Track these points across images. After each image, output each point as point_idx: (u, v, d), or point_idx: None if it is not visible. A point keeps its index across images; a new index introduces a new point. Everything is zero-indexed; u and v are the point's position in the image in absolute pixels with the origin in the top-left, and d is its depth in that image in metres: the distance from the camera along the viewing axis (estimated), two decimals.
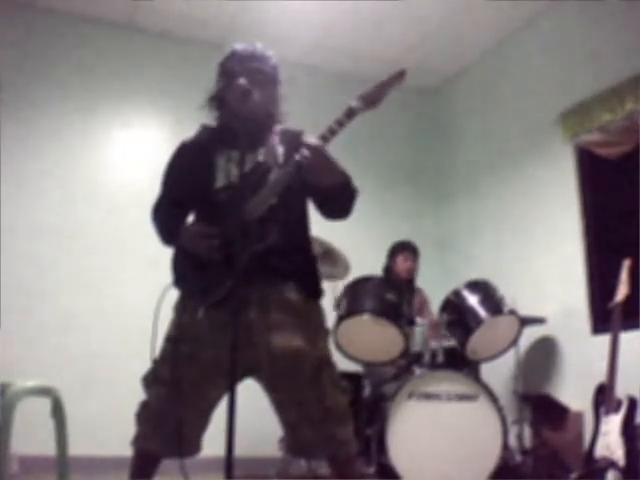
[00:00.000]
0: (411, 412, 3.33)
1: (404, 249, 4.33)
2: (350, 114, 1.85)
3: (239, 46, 2.12)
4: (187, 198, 2.13)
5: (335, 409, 1.96)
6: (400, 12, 4.64)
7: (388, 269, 4.34)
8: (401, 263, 4.30)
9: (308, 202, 2.13)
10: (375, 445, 3.34)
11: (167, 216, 2.15)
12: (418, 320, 3.81)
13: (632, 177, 3.78)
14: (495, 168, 5.04)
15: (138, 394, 2.03)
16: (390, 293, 3.50)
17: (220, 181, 2.03)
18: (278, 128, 2.11)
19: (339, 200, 2.04)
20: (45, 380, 2.11)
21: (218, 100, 2.11)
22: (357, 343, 3.48)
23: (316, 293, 2.10)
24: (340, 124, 1.85)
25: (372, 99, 1.86)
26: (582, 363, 3.94)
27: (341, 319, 3.44)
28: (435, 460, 3.28)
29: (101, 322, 4.30)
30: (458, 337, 3.62)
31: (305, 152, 1.84)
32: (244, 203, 1.90)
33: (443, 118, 5.74)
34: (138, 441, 2.02)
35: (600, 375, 3.07)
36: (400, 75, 1.88)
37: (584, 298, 4.07)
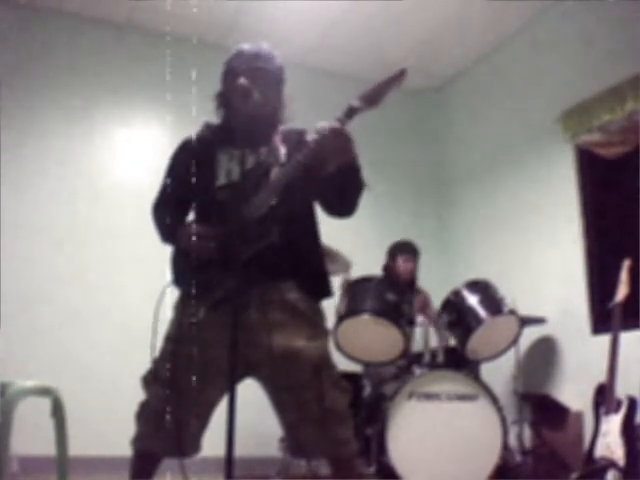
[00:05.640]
0: (411, 412, 3.33)
1: (404, 250, 4.29)
2: (350, 113, 1.85)
3: (245, 46, 2.12)
4: (188, 195, 2.12)
5: (335, 409, 1.96)
6: (400, 13, 4.64)
7: (388, 269, 4.30)
8: (402, 264, 4.26)
9: (314, 202, 2.11)
10: (375, 445, 3.34)
11: (167, 213, 2.14)
12: (418, 320, 3.80)
13: (632, 177, 3.77)
14: (495, 168, 5.03)
15: (138, 394, 2.03)
16: (390, 293, 3.50)
17: (221, 179, 2.02)
18: (281, 128, 2.11)
19: (347, 191, 2.01)
20: (45, 380, 2.11)
21: (222, 99, 2.11)
22: (357, 343, 3.48)
23: (321, 293, 2.09)
24: (340, 123, 1.85)
25: (372, 99, 1.86)
26: (582, 363, 3.94)
27: (341, 319, 3.44)
28: (435, 460, 3.28)
29: (101, 322, 4.30)
30: (458, 337, 3.62)
31: (323, 129, 1.84)
32: (245, 202, 1.89)
33: (443, 119, 5.73)
34: (138, 441, 2.01)
35: (600, 375, 3.07)
36: (401, 75, 1.87)
37: (584, 298, 4.07)
